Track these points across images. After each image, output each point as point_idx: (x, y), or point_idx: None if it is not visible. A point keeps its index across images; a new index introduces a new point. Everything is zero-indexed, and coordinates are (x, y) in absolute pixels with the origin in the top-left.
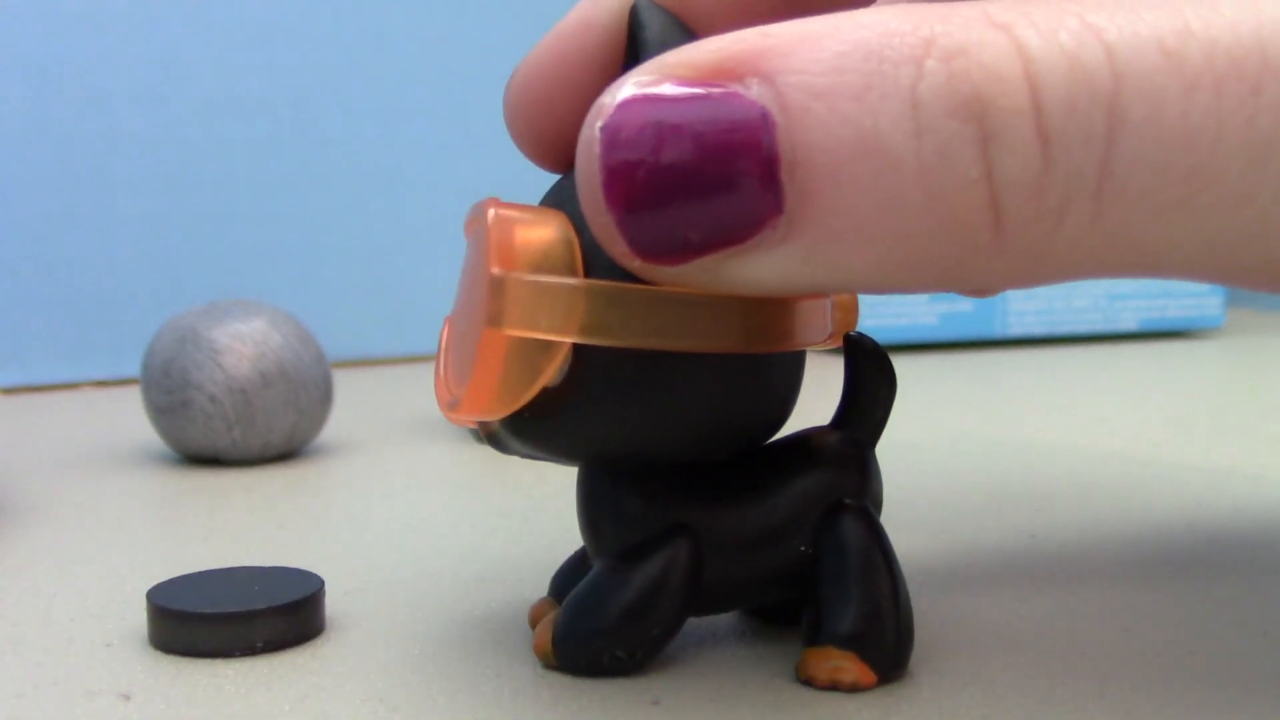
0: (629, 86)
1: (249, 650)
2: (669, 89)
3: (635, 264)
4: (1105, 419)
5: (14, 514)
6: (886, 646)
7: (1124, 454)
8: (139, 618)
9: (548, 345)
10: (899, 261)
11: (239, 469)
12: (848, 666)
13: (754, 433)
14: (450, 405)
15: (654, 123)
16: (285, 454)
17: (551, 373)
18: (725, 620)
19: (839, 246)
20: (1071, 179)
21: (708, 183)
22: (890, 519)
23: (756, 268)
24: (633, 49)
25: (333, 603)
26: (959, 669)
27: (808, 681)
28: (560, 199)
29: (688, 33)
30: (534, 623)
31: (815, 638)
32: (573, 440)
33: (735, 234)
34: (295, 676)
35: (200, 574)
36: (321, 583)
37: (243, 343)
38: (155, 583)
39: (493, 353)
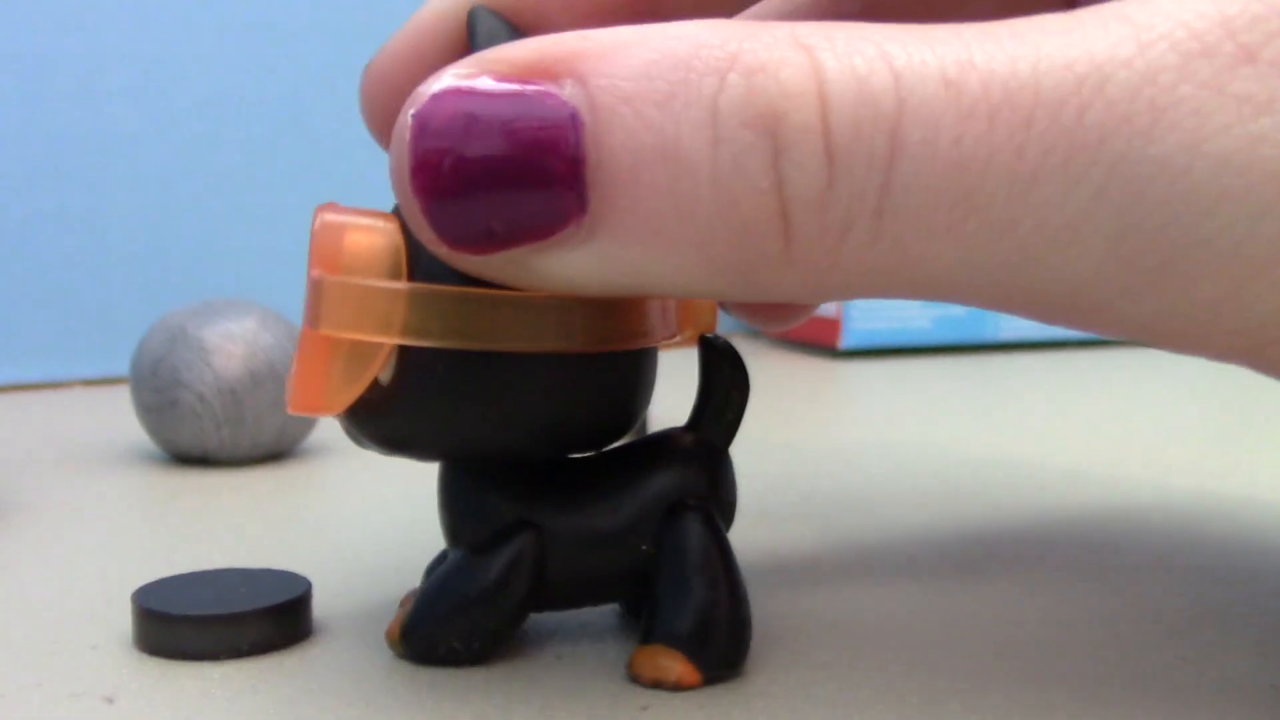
0: (446, 78)
1: (235, 653)
2: (485, 83)
3: (443, 251)
4: (1072, 426)
5: (1, 513)
6: (716, 647)
7: (1081, 466)
8: (124, 619)
9: (372, 346)
10: (696, 266)
11: (228, 469)
12: (673, 666)
13: (595, 432)
14: (287, 402)
15: (465, 114)
16: (275, 454)
17: (375, 373)
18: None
19: (639, 248)
20: (854, 197)
21: (514, 177)
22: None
23: (561, 265)
24: (470, 50)
25: (322, 605)
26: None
27: (635, 679)
28: None
29: (518, 36)
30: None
31: (647, 636)
32: (408, 437)
33: (539, 229)
34: (281, 680)
35: (186, 575)
36: (309, 585)
37: (233, 342)
38: (142, 583)
39: (314, 353)
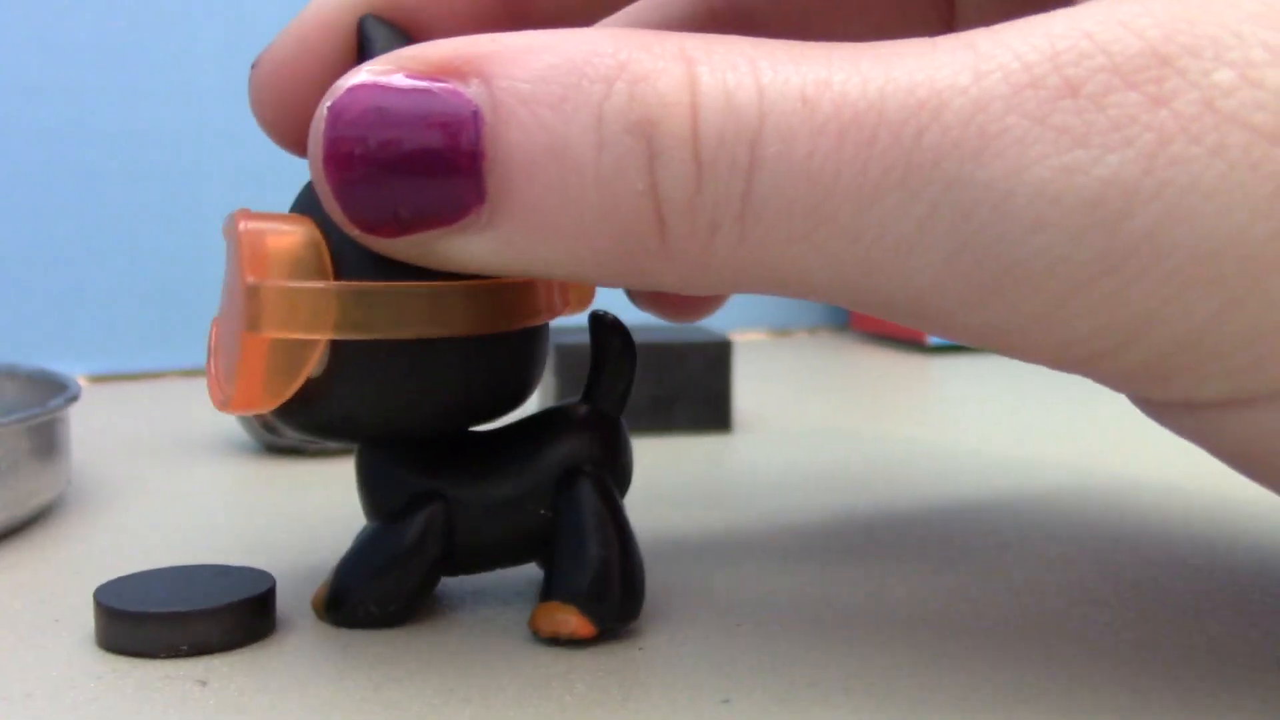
0: (363, 73)
1: (195, 650)
2: (398, 79)
3: (355, 233)
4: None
5: (94, 499)
6: (610, 602)
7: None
8: None
9: (306, 343)
10: (584, 257)
11: (319, 460)
12: (568, 619)
13: (499, 404)
14: (223, 403)
15: (377, 107)
16: None
17: (311, 367)
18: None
19: (532, 238)
20: (719, 202)
21: (418, 166)
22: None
23: (464, 249)
24: (361, 58)
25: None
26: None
27: (536, 633)
28: (309, 203)
29: (410, 43)
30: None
31: (546, 594)
32: (336, 422)
33: (441, 217)
34: (239, 676)
35: (152, 572)
36: (273, 581)
37: None
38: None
39: (254, 354)
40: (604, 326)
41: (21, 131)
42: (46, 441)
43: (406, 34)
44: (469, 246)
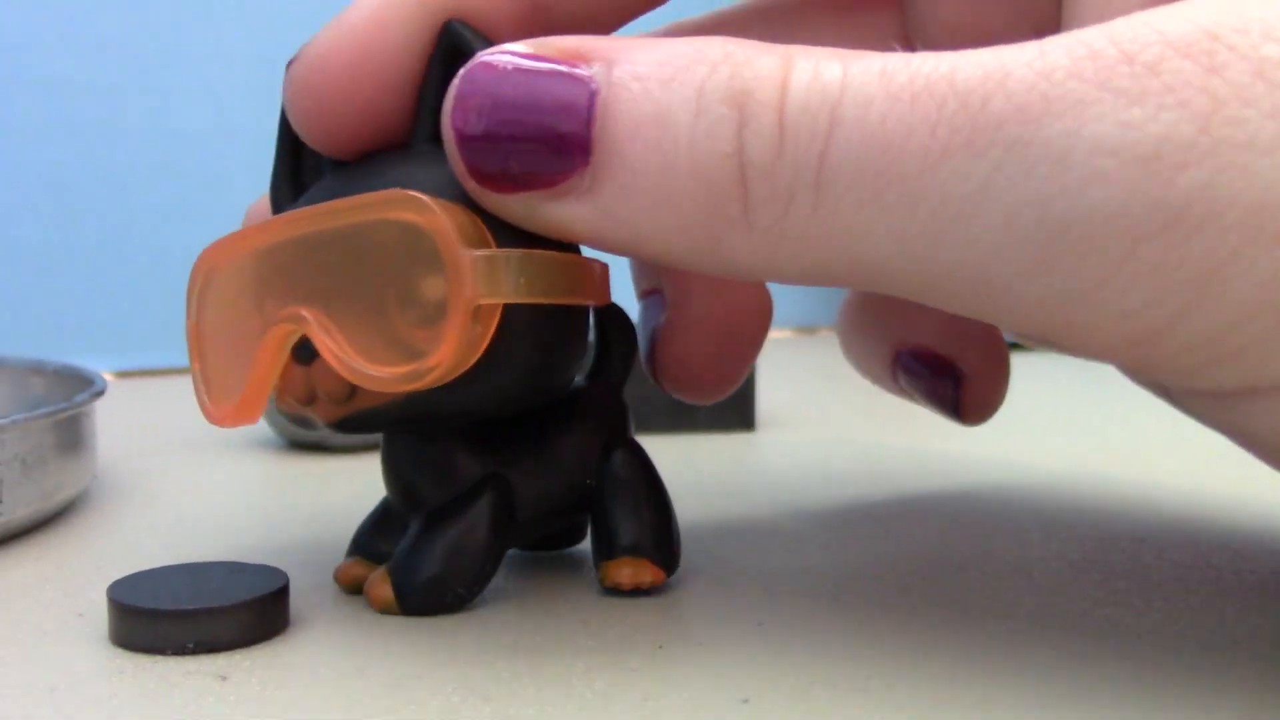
0: (501, 50)
1: (208, 648)
2: (531, 57)
3: (471, 185)
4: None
5: (119, 494)
6: (670, 551)
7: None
8: None
9: (491, 308)
10: (671, 225)
11: (342, 455)
12: (645, 570)
13: (569, 382)
14: (413, 376)
15: (506, 72)
16: None
17: (493, 328)
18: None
19: (627, 204)
20: (798, 167)
21: (532, 127)
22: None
23: (566, 213)
24: (449, 58)
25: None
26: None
27: (615, 588)
28: (417, 185)
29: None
30: (347, 583)
31: (609, 553)
32: (479, 392)
33: (549, 177)
34: (252, 674)
35: (166, 568)
36: (287, 579)
37: None
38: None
39: (465, 321)
40: (611, 315)
41: (51, 129)
42: (72, 436)
43: (489, 39)
44: (571, 210)
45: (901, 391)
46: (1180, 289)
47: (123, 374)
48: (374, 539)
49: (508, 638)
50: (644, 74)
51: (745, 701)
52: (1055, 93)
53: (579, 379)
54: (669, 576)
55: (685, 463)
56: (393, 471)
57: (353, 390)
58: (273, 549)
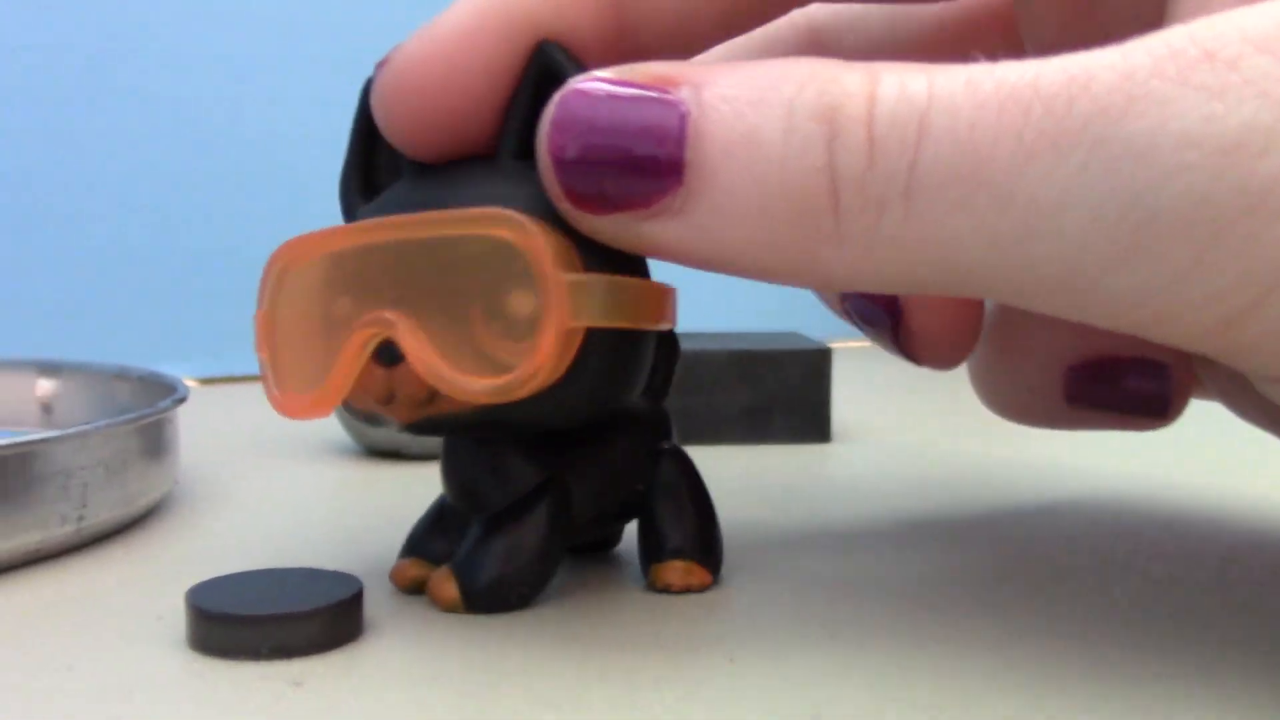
0: (594, 77)
1: (284, 653)
2: (623, 84)
3: (566, 206)
4: None
5: (199, 499)
6: (716, 555)
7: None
8: None
9: (577, 331)
10: (763, 240)
11: (418, 463)
12: (694, 572)
13: (633, 396)
14: (505, 389)
15: (600, 98)
16: None
17: (575, 352)
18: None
19: (721, 221)
20: (888, 177)
21: (626, 149)
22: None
23: (660, 232)
24: (541, 78)
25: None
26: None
27: (665, 589)
28: (503, 200)
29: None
30: (404, 583)
31: (659, 555)
32: (558, 407)
33: (643, 197)
34: (328, 680)
35: (243, 574)
36: (361, 586)
37: None
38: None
39: (555, 342)
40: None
41: (135, 140)
42: (155, 442)
43: (581, 63)
44: (665, 230)
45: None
46: (1263, 272)
47: (205, 380)
48: (430, 540)
49: (576, 647)
50: (733, 95)
51: (815, 717)
52: (1138, 92)
53: None
54: (715, 579)
55: (760, 473)
56: (453, 473)
57: (432, 395)
58: (348, 555)
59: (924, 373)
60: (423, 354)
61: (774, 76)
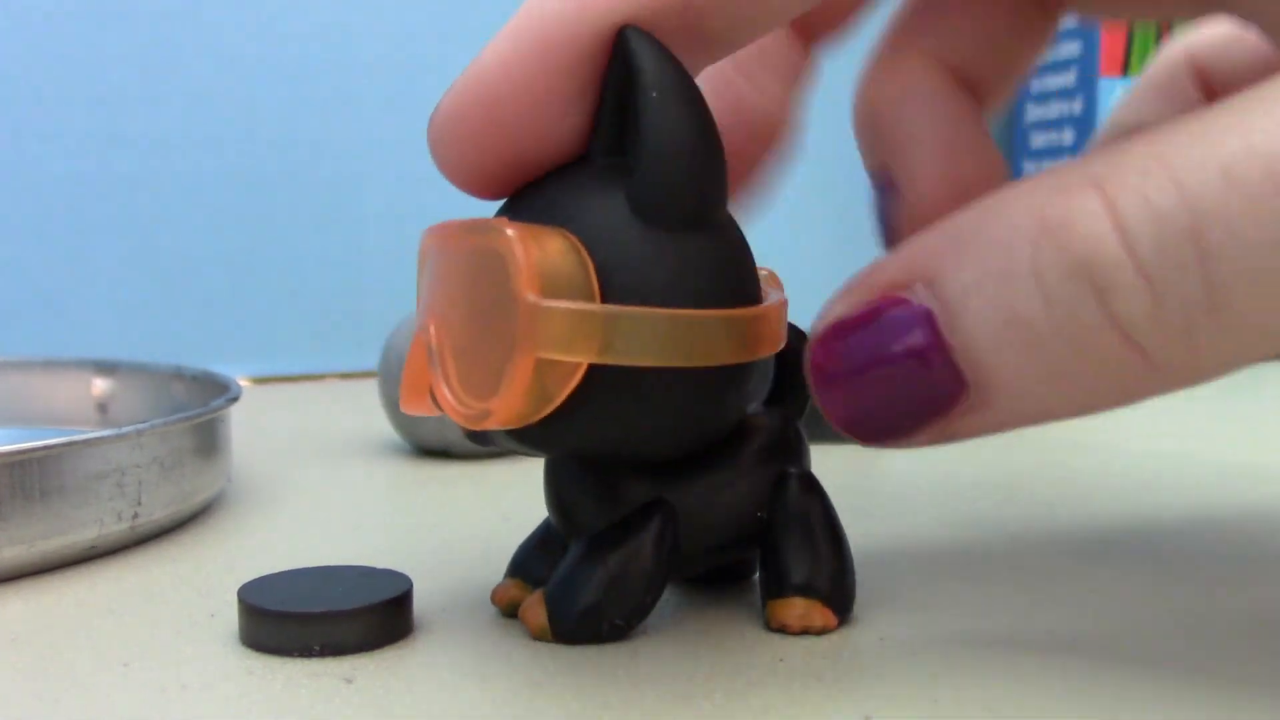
0: (828, 318)
1: (335, 650)
2: (856, 311)
3: (875, 445)
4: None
5: (252, 497)
6: (845, 593)
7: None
8: None
9: (569, 364)
10: (1075, 399)
11: (467, 462)
12: (815, 613)
13: (726, 429)
14: (478, 417)
15: (846, 344)
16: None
17: (571, 388)
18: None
19: (1025, 399)
20: (1186, 303)
21: (897, 379)
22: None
23: (973, 426)
24: (625, 78)
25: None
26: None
27: (781, 629)
28: (569, 214)
29: (677, 66)
30: (503, 605)
31: (779, 591)
32: (573, 442)
33: (938, 412)
34: (378, 677)
35: (294, 571)
36: (410, 584)
37: None
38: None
39: (525, 373)
40: (794, 337)
41: (191, 142)
42: (209, 440)
43: (669, 52)
44: (976, 423)
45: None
46: None
47: (258, 380)
48: (534, 561)
49: (627, 648)
50: (971, 284)
51: (867, 719)
52: None
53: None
54: (842, 621)
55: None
56: (553, 492)
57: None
58: (398, 553)
59: None
60: (439, 368)
61: (999, 242)
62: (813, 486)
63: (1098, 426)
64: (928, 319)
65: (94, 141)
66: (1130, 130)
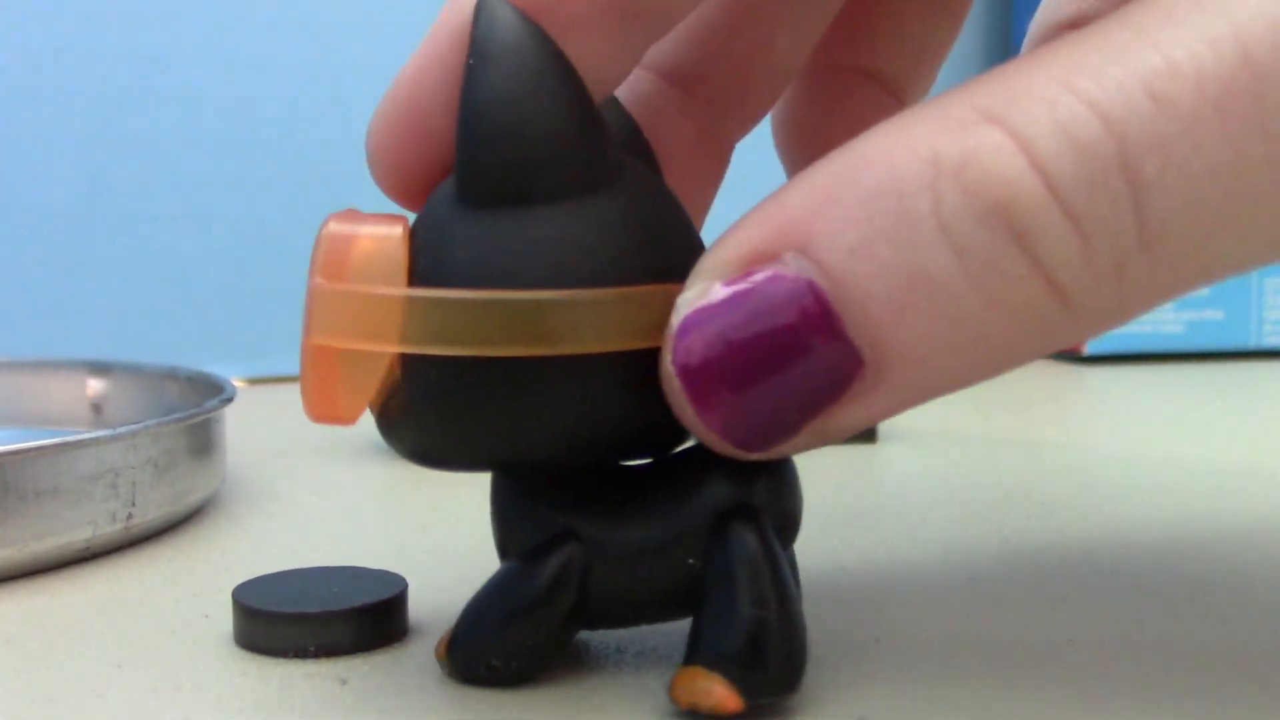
0: (683, 306)
1: (329, 651)
2: (718, 293)
3: (753, 456)
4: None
5: (247, 498)
6: (763, 671)
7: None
8: None
9: (373, 355)
10: (987, 359)
11: None
12: (711, 689)
13: (636, 440)
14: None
15: (714, 333)
16: None
17: (378, 382)
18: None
19: (929, 369)
20: (1116, 241)
21: (781, 366)
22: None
23: (863, 412)
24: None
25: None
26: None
27: (674, 702)
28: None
29: (517, 33)
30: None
31: (689, 657)
32: (423, 449)
33: (829, 397)
34: (371, 678)
35: (289, 572)
36: (405, 585)
37: None
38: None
39: (311, 361)
40: None
41: (185, 142)
42: (203, 441)
43: (537, 28)
44: (867, 408)
45: None
46: None
47: (253, 380)
48: None
49: (628, 648)
50: (854, 243)
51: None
52: None
53: None
54: (748, 705)
55: (805, 475)
56: (491, 511)
57: None
58: (393, 554)
59: None
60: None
61: (885, 190)
62: (759, 533)
63: (1097, 427)
64: (810, 290)
65: (86, 143)
66: (1050, 33)
